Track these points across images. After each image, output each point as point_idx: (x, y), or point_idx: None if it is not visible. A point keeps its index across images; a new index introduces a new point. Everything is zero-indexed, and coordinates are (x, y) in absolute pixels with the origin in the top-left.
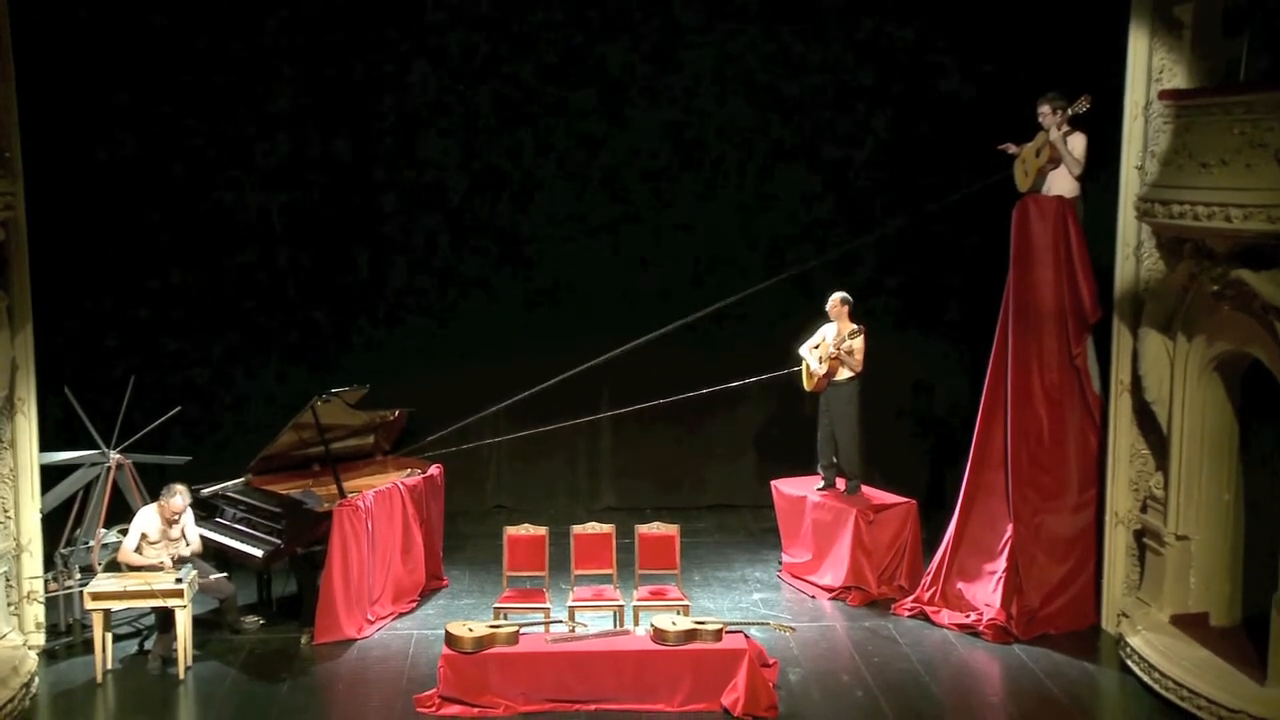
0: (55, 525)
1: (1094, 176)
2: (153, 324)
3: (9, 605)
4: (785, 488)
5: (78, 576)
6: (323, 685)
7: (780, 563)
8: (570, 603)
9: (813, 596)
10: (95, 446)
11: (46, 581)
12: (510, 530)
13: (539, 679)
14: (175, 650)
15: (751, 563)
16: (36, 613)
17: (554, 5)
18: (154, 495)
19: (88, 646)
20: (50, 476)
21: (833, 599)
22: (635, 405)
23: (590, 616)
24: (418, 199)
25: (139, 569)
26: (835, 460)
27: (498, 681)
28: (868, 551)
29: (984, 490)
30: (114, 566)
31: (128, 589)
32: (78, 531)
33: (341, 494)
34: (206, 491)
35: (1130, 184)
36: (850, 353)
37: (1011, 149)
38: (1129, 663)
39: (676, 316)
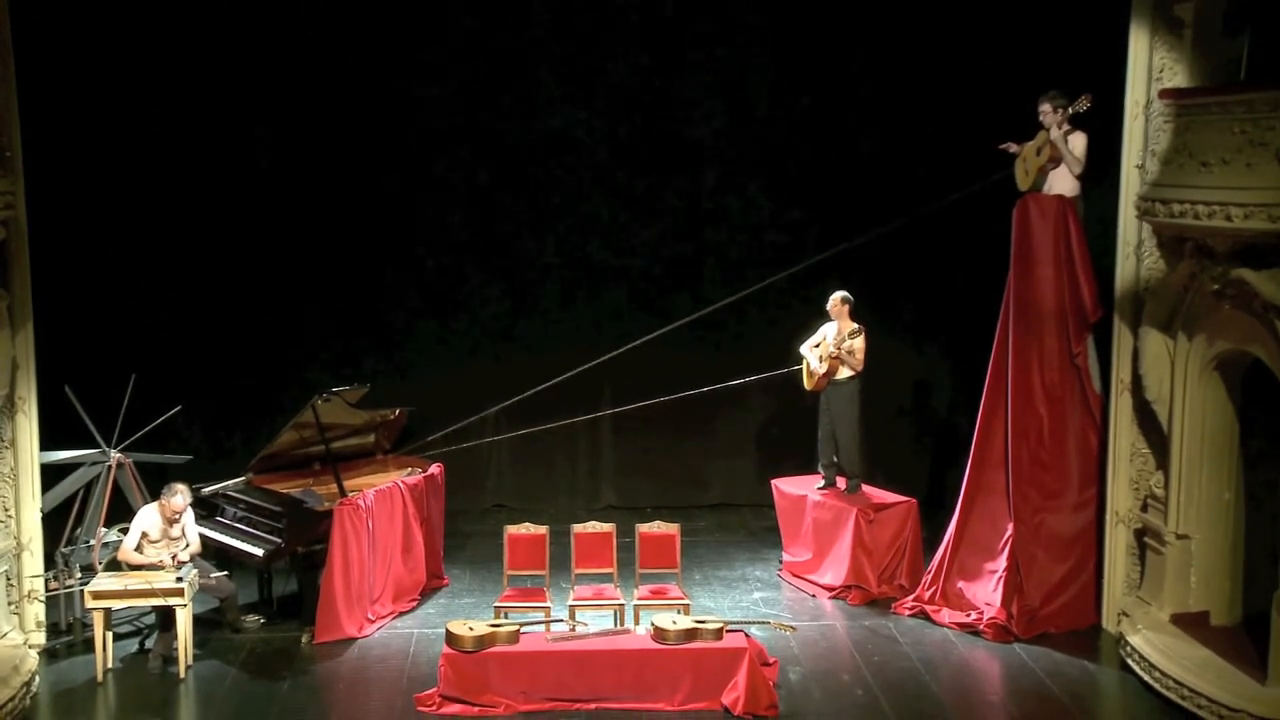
0: (56, 524)
1: (1095, 176)
2: (153, 323)
3: (10, 604)
4: (786, 487)
5: (78, 575)
6: (323, 684)
7: (781, 562)
8: (571, 602)
9: (813, 595)
10: (96, 445)
11: (47, 580)
12: (511, 529)
13: (539, 678)
14: (176, 649)
15: (752, 562)
16: (37, 612)
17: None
18: (155, 494)
19: (88, 645)
20: (51, 475)
21: (833, 598)
22: (636, 404)
23: (591, 615)
24: (418, 198)
25: (139, 568)
26: (836, 459)
27: (498, 680)
28: (868, 550)
29: (984, 489)
30: (114, 566)
31: (128, 588)
32: (78, 530)
33: (342, 493)
34: (207, 490)
35: (1131, 183)
36: (851, 352)
37: (1012, 148)
38: (1129, 662)
39: (676, 316)
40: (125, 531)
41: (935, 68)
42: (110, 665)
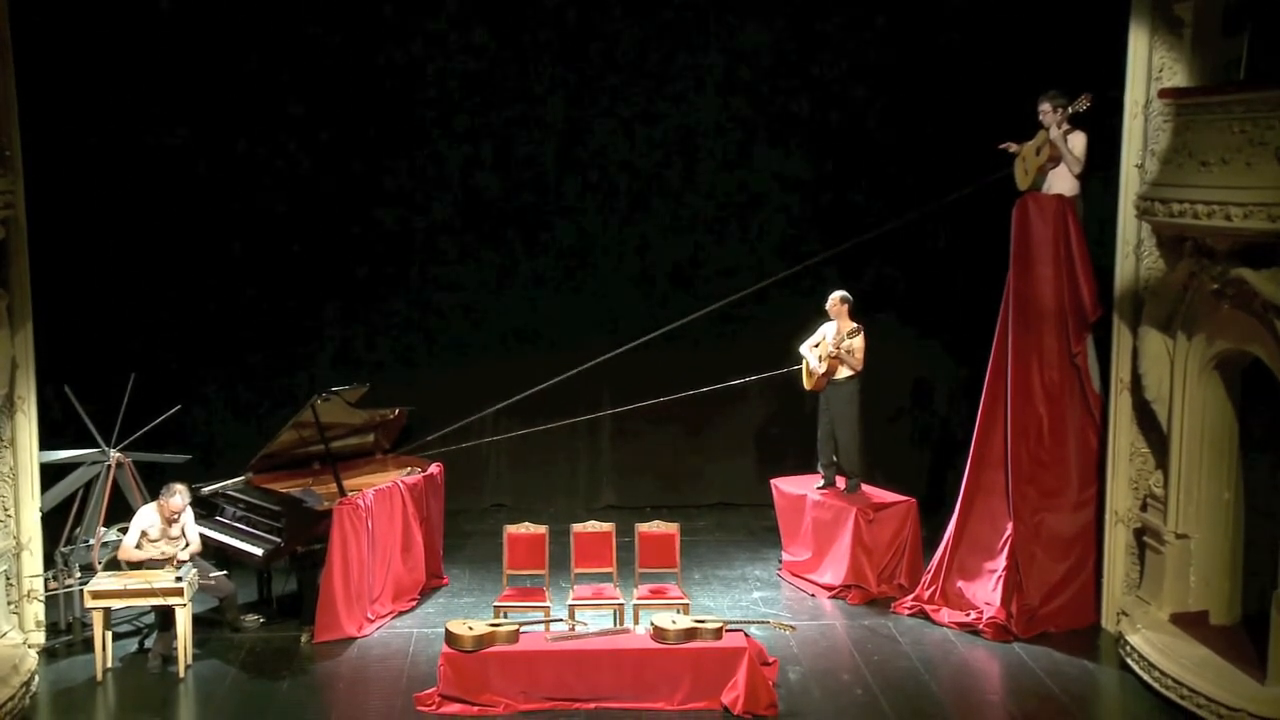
0: (55, 524)
1: (1094, 175)
2: (153, 322)
3: (9, 604)
4: (785, 486)
5: (78, 575)
6: (323, 684)
7: (780, 561)
8: (570, 601)
9: (813, 595)
10: (95, 445)
11: (47, 580)
12: (510, 529)
13: (539, 677)
14: (175, 649)
15: (751, 561)
16: (37, 611)
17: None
18: (154, 494)
19: (88, 645)
20: (50, 475)
21: (833, 597)
22: (636, 404)
23: (590, 615)
24: (419, 198)
25: (140, 565)
26: (835, 459)
27: (498, 680)
28: (868, 550)
29: (984, 489)
30: (114, 565)
31: (128, 587)
32: (78, 530)
33: (342, 492)
34: (207, 490)
35: (1130, 182)
36: (850, 351)
37: (1012, 148)
38: (1129, 661)
39: (676, 316)
40: (125, 531)
41: (935, 67)
42: (110, 665)
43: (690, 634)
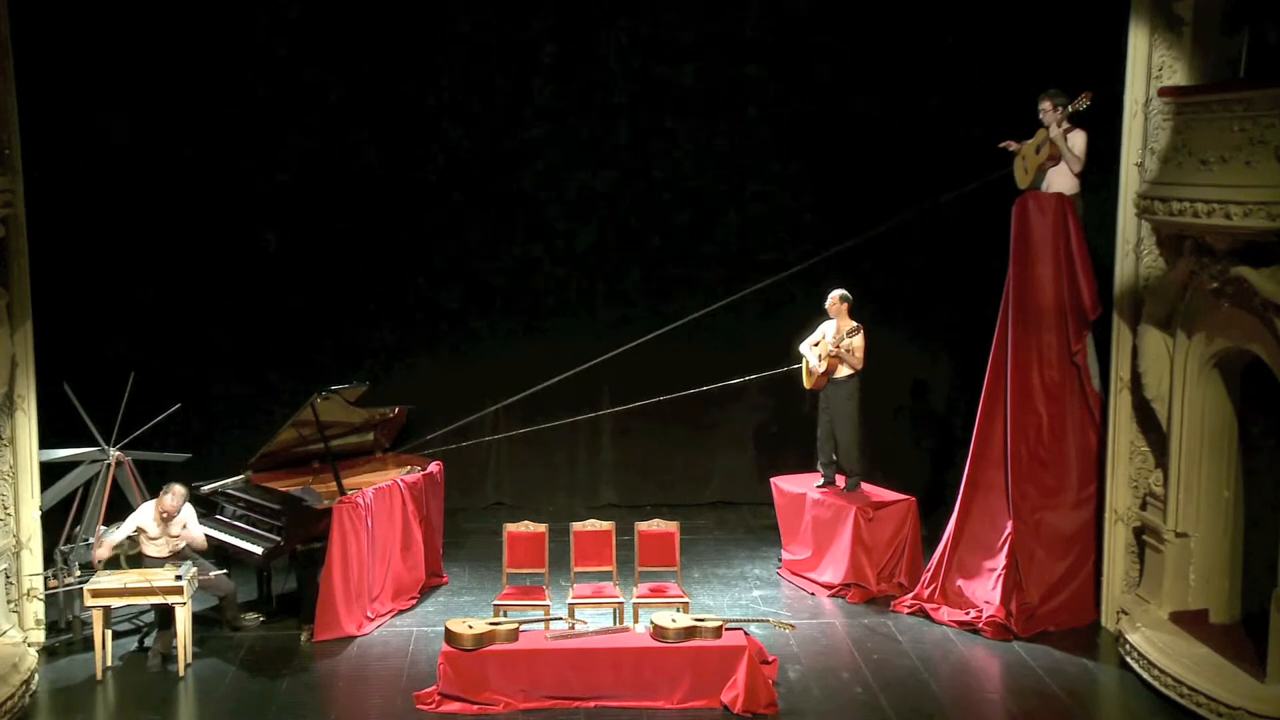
0: (55, 522)
1: (1094, 174)
2: (153, 321)
3: (9, 602)
4: (785, 485)
5: (77, 573)
6: (322, 682)
7: (780, 560)
8: (570, 600)
9: (812, 594)
10: (95, 443)
11: (46, 578)
12: (510, 527)
13: (539, 676)
14: (175, 647)
15: (751, 560)
16: (36, 610)
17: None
18: (154, 492)
19: (88, 644)
20: (50, 473)
21: (832, 596)
22: (635, 402)
23: (590, 614)
24: (419, 197)
25: (113, 563)
26: (835, 457)
27: (497, 679)
28: (867, 549)
29: (983, 487)
30: (114, 564)
31: (128, 586)
32: (78, 529)
33: (341, 491)
34: (206, 488)
35: (1130, 181)
36: (850, 350)
37: (1012, 146)
38: (1128, 660)
39: (678, 315)
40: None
41: (935, 67)
42: (109, 663)
43: (690, 633)
